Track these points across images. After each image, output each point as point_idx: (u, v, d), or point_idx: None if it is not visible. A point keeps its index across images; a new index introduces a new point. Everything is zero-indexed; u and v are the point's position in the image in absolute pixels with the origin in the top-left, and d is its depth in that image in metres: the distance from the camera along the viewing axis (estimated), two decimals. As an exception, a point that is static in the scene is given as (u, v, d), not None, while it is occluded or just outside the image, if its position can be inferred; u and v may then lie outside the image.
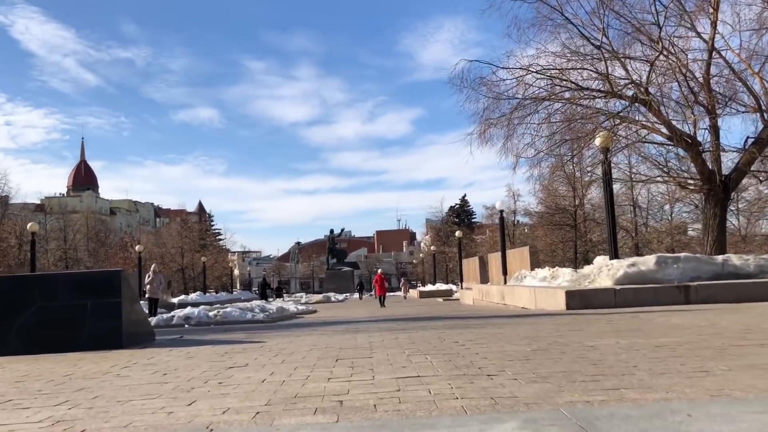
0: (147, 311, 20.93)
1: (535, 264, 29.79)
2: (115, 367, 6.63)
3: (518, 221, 61.44)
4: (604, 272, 14.93)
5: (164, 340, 9.97)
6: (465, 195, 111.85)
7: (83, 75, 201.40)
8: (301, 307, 25.49)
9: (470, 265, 46.45)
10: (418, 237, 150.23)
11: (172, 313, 16.73)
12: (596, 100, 16.21)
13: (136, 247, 41.01)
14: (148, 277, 21.60)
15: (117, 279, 9.29)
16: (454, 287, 52.84)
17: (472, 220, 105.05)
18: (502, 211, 28.32)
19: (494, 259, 38.36)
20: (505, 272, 27.89)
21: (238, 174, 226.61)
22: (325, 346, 7.76)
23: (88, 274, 9.73)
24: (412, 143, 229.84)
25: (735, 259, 14.93)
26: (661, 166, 18.66)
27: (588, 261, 34.48)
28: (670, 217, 39.12)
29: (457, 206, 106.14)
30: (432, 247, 62.06)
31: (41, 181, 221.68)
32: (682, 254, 15.51)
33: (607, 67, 15.45)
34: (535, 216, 41.41)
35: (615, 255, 15.74)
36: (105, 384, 5.39)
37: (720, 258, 14.99)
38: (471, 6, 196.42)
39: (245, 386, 4.82)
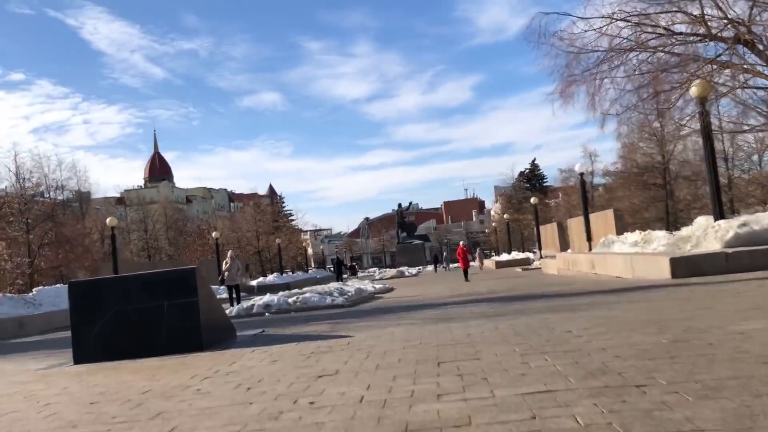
0: (228, 298, 20.86)
1: (621, 228, 28.16)
2: (195, 379, 6.06)
3: (596, 183, 59.06)
4: (710, 234, 13.52)
5: (246, 337, 9.46)
6: (534, 159, 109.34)
7: (150, 69, 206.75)
8: (377, 286, 24.92)
9: (548, 232, 44.82)
10: (488, 205, 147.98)
11: (252, 301, 16.40)
12: (690, 45, 14.58)
13: (213, 234, 41.45)
14: (226, 263, 21.39)
15: (192, 277, 8.79)
16: (531, 255, 51.28)
17: (544, 184, 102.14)
18: (582, 174, 26.75)
19: (575, 224, 36.71)
20: (589, 238, 26.42)
21: (304, 154, 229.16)
22: (419, 341, 6.99)
23: (163, 274, 9.27)
24: (474, 110, 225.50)
25: None
26: (766, 113, 16.83)
27: (679, 222, 32.41)
28: (758, 167, 36.33)
29: (527, 171, 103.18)
30: (505, 215, 60.33)
31: (120, 175, 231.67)
32: (802, 209, 13.89)
33: (702, 8, 13.82)
34: (617, 176, 39.16)
35: (720, 215, 14.26)
36: (184, 406, 4.78)
37: None
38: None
39: (341, 409, 4.08)
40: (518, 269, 39.22)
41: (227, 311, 16.02)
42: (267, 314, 15.37)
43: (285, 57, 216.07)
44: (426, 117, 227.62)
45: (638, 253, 15.31)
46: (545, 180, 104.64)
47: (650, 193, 33.40)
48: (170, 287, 8.77)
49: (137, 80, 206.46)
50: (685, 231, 16.67)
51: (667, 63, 15.10)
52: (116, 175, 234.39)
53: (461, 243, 29.97)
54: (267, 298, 16.08)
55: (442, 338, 7.05)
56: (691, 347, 5.00)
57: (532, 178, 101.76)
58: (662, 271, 12.83)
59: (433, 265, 61.77)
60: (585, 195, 26.74)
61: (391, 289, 26.01)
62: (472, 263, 61.41)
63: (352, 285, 22.22)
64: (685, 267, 12.44)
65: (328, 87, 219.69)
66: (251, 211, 68.92)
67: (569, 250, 38.32)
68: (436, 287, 23.97)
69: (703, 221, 15.33)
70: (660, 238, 17.37)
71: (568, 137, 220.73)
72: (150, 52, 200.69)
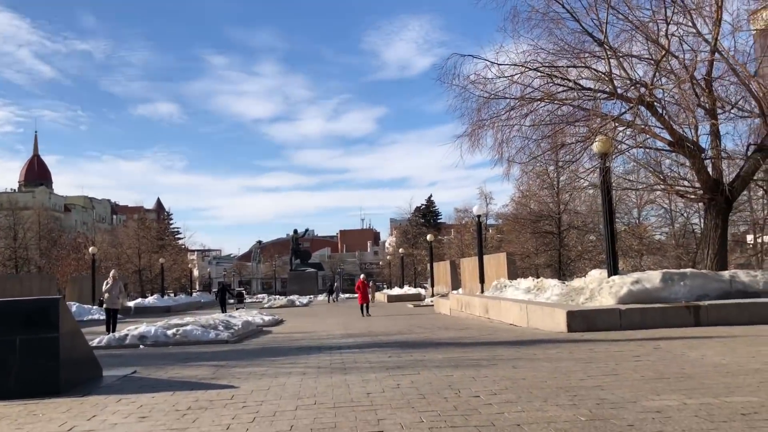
0: (105, 322, 18.96)
1: (513, 271, 28.71)
2: (40, 442, 5.02)
3: (490, 224, 60.65)
4: (605, 289, 13.72)
5: (113, 379, 8.30)
6: (431, 195, 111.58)
7: (38, 66, 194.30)
8: (266, 317, 23.77)
9: (440, 269, 45.25)
10: (383, 237, 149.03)
11: (126, 331, 14.92)
12: (596, 101, 14.99)
13: (90, 249, 38.46)
14: (107, 284, 19.18)
15: (54, 309, 7.60)
16: (423, 291, 51.65)
17: (438, 220, 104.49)
18: (479, 216, 27.08)
19: (467, 264, 37.20)
20: (482, 280, 26.62)
21: (199, 170, 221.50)
22: (314, 399, 6.26)
23: (17, 304, 7.99)
24: (375, 142, 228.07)
25: (743, 276, 13.89)
26: (657, 173, 17.61)
27: (569, 271, 33.47)
28: (638, 221, 38.53)
29: (423, 207, 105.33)
30: (400, 250, 60.62)
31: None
32: (688, 270, 14.41)
33: (610, 66, 14.23)
34: (510, 220, 40.20)
35: (614, 270, 14.56)
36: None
37: (727, 274, 13.93)
38: (436, 6, 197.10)
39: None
40: (410, 305, 39.19)
41: (98, 340, 14.51)
42: (142, 346, 14.01)
43: (186, 68, 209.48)
44: (328, 144, 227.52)
45: (533, 302, 15.33)
46: (440, 216, 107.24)
47: (543, 240, 34.41)
48: (26, 319, 7.54)
49: (22, 77, 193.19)
50: (577, 282, 16.97)
51: (573, 116, 15.44)
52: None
53: (361, 276, 29.16)
54: (143, 328, 14.68)
55: (340, 396, 6.36)
56: (611, 428, 4.62)
57: (428, 213, 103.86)
58: (558, 324, 12.80)
59: (326, 295, 60.96)
60: (481, 238, 27.02)
61: (280, 322, 24.93)
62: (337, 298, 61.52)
63: (238, 316, 21.00)
64: (581, 321, 12.47)
65: (229, 103, 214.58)
66: (134, 227, 64.87)
67: (460, 290, 38.73)
68: (328, 322, 23.19)
69: (596, 274, 15.64)
70: (553, 287, 17.59)
71: (462, 176, 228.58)
72: (39, 49, 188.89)
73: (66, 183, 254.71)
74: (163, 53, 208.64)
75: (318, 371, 8.22)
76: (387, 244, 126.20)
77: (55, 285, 37.58)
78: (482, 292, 25.79)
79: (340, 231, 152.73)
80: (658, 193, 17.78)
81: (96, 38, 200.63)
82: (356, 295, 29.78)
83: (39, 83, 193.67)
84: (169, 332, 14.40)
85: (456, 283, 41.85)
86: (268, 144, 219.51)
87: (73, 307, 36.79)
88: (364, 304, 26.45)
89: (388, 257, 77.06)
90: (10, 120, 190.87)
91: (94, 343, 14.42)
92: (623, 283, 13.41)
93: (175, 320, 16.70)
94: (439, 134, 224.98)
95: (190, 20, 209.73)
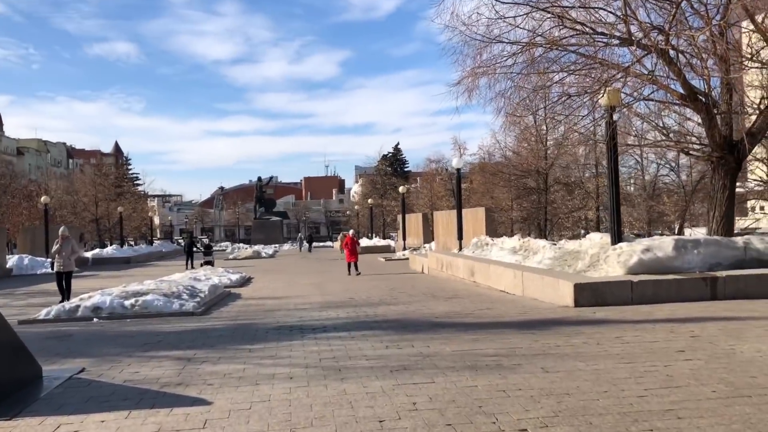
0: (57, 287, 16.89)
1: (492, 228, 27.58)
2: None
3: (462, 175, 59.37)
4: (612, 257, 12.52)
5: (54, 384, 6.75)
6: (398, 143, 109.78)
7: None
8: (233, 276, 22.18)
9: (412, 222, 44.10)
10: (348, 184, 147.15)
11: (78, 301, 13.19)
12: (608, 48, 13.45)
13: (42, 199, 35.91)
14: (57, 243, 16.65)
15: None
16: (392, 243, 50.53)
17: (405, 169, 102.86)
18: (459, 170, 25.61)
19: (441, 218, 35.99)
20: (460, 237, 25.42)
21: (158, 113, 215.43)
22: (307, 421, 4.86)
23: None
24: (339, 86, 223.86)
25: (757, 242, 12.84)
26: (660, 129, 16.38)
27: (554, 232, 32.35)
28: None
29: (390, 154, 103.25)
30: (369, 200, 59.02)
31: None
32: (701, 237, 13.31)
33: (626, 8, 12.63)
34: (488, 171, 38.75)
35: (618, 236, 13.36)
36: None
37: (740, 241, 12.86)
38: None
39: None
40: (381, 258, 38.03)
41: (46, 312, 12.84)
42: (96, 319, 12.39)
43: (144, 5, 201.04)
44: (290, 87, 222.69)
45: (530, 269, 14.12)
46: (407, 165, 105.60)
47: (525, 195, 33.10)
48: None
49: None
50: (571, 245, 15.82)
51: (581, 64, 13.91)
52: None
53: (350, 232, 26.45)
54: (97, 298, 13.01)
55: (341, 417, 4.96)
56: None
57: (395, 162, 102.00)
58: (563, 297, 11.61)
59: (299, 245, 59.91)
60: (460, 192, 25.69)
61: (249, 280, 23.46)
62: (331, 244, 59.65)
63: (204, 278, 19.40)
64: (590, 295, 11.29)
65: (188, 43, 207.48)
66: (91, 173, 61.63)
67: (432, 244, 37.69)
68: (300, 282, 21.77)
69: (597, 238, 14.45)
70: (544, 248, 16.44)
71: (428, 123, 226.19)
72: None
73: (18, 125, 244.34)
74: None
75: (307, 374, 6.79)
76: (353, 192, 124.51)
77: (4, 236, 35.21)
78: (460, 249, 24.61)
79: (305, 178, 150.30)
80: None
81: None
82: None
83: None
84: (127, 303, 12.77)
85: (428, 237, 40.77)
86: (230, 87, 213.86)
87: (25, 259, 34.58)
88: (353, 263, 23.91)
89: (356, 207, 75.50)
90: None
91: (42, 315, 12.80)
92: (633, 251, 12.22)
93: (133, 286, 15.04)
94: (404, 79, 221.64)
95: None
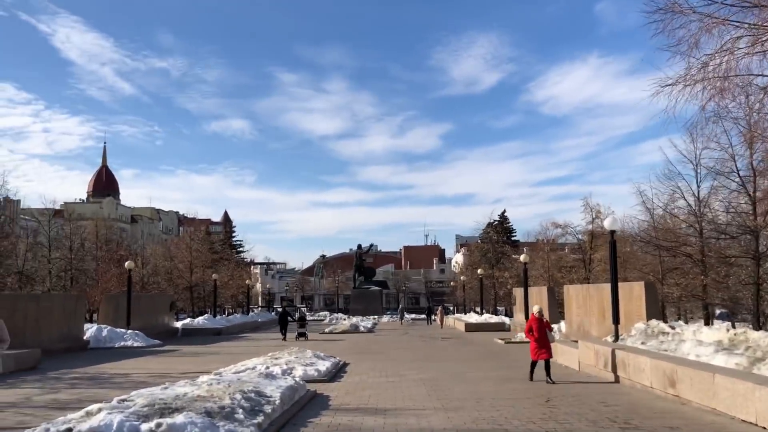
0: None
1: (655, 308, 21.37)
2: None
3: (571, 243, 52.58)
4: None
5: None
6: (504, 211, 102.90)
7: (119, 84, 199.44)
8: (323, 365, 17.17)
9: (534, 296, 37.91)
10: (448, 254, 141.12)
11: (72, 423, 8.59)
12: None
13: (126, 264, 32.95)
14: None
15: None
16: (506, 320, 44.25)
17: (513, 237, 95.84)
18: (613, 232, 19.82)
19: (576, 293, 29.73)
20: (616, 320, 19.32)
21: (267, 185, 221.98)
22: None
23: None
24: (440, 158, 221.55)
25: None
26: None
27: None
28: None
29: (496, 222, 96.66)
30: (479, 270, 53.12)
31: (74, 188, 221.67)
32: None
33: None
34: (634, 240, 32.34)
35: None
36: None
37: None
38: (505, 22, 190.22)
39: None
40: (498, 339, 32.17)
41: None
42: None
43: (258, 85, 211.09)
44: (392, 160, 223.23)
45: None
46: (514, 234, 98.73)
47: (680, 263, 26.42)
48: None
49: (104, 93, 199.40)
50: None
51: None
52: (71, 188, 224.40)
53: (534, 309, 15.96)
54: (101, 418, 8.27)
55: None
56: None
57: (502, 230, 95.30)
58: None
59: (399, 317, 55.34)
60: (615, 260, 19.78)
61: (342, 368, 18.47)
62: (434, 320, 54.17)
63: (286, 366, 14.57)
64: None
65: (297, 120, 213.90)
66: (187, 239, 59.44)
67: (562, 323, 31.37)
68: (409, 375, 16.45)
69: None
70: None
71: (528, 193, 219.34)
72: (121, 67, 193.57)
73: (139, 196, 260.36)
74: (235, 71, 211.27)
75: None
76: (453, 262, 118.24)
77: (83, 305, 32.28)
78: (616, 337, 18.48)
79: (404, 247, 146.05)
80: None
81: (173, 56, 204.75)
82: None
83: (119, 99, 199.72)
84: (145, 428, 7.96)
85: (554, 315, 34.46)
86: (334, 160, 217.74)
87: (104, 330, 31.28)
88: (544, 361, 15.02)
89: (462, 278, 69.61)
90: (92, 135, 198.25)
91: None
92: None
93: (176, 387, 10.37)
94: (504, 151, 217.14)
95: (262, 38, 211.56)
